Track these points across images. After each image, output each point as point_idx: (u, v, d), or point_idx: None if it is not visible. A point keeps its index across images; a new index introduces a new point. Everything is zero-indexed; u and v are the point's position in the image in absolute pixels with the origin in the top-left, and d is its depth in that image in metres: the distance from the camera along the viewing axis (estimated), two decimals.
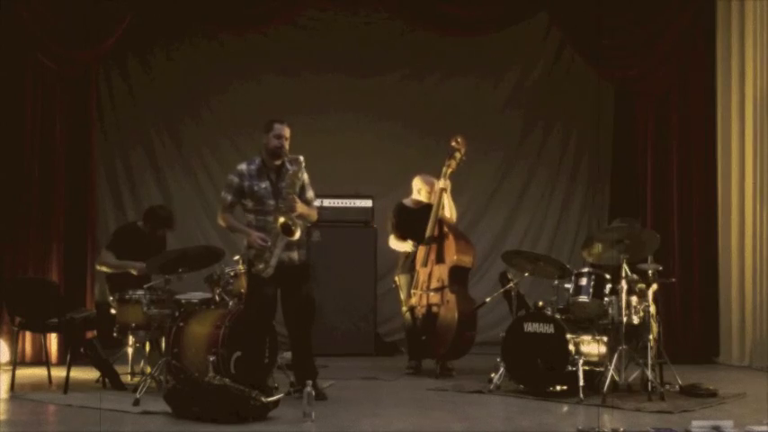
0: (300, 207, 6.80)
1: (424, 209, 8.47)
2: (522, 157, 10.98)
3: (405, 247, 8.47)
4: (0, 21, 8.73)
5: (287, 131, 6.89)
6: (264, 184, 6.85)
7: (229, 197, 6.91)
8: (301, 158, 6.84)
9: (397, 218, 8.56)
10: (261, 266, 6.73)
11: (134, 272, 7.65)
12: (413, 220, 8.46)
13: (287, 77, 10.56)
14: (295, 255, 6.90)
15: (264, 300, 6.86)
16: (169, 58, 10.47)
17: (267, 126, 6.92)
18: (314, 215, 7.08)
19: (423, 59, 10.70)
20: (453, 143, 8.38)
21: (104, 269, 7.87)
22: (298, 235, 6.76)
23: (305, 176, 6.94)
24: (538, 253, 8.13)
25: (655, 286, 7.44)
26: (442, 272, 8.24)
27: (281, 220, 6.71)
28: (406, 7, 9.46)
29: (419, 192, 8.54)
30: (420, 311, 8.31)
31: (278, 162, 6.88)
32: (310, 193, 7.01)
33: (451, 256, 8.22)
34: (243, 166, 6.92)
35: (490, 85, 10.90)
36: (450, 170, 8.32)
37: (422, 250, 8.32)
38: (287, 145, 6.87)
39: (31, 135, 8.90)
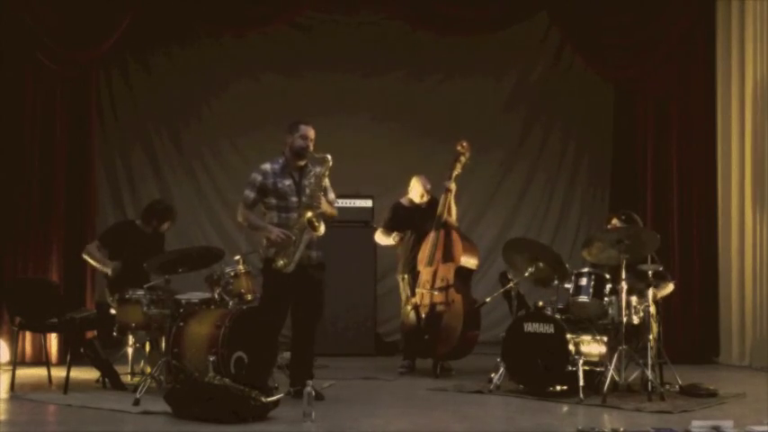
0: (324, 204, 6.88)
1: (419, 208, 8.50)
2: (522, 157, 10.97)
3: (388, 240, 8.54)
4: (0, 21, 8.73)
5: (312, 132, 6.97)
6: (288, 182, 6.91)
7: (252, 195, 6.95)
8: (329, 157, 6.88)
9: (392, 215, 8.62)
10: (283, 262, 6.76)
11: (109, 273, 7.68)
12: (407, 218, 8.52)
13: (287, 78, 10.56)
14: (314, 253, 6.96)
15: (281, 301, 6.90)
16: (169, 58, 10.47)
17: (292, 127, 6.98)
18: (334, 213, 7.15)
19: (423, 60, 10.69)
20: (459, 147, 8.40)
21: (87, 259, 7.95)
22: (322, 230, 6.83)
23: (326, 179, 7.03)
24: (540, 242, 8.10)
25: (657, 293, 7.48)
26: (447, 272, 8.25)
27: (309, 214, 6.76)
28: (407, 8, 9.47)
29: (411, 190, 8.57)
30: (423, 310, 8.31)
31: (302, 162, 6.95)
32: (332, 195, 7.10)
33: (458, 256, 8.24)
34: (267, 165, 6.98)
35: (490, 85, 10.89)
36: (455, 173, 8.35)
37: (425, 249, 8.33)
38: (311, 146, 6.92)
39: (31, 135, 8.90)
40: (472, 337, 8.26)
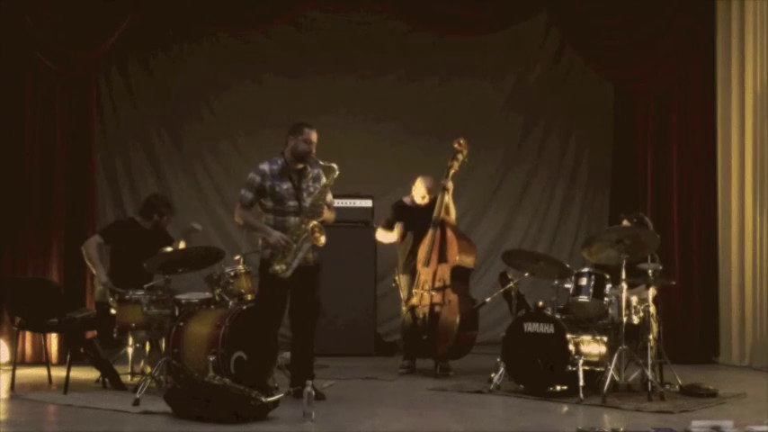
0: (325, 213, 6.89)
1: (420, 208, 8.51)
2: (522, 157, 10.98)
3: (389, 236, 8.53)
4: (0, 21, 8.73)
5: (315, 136, 6.91)
6: (286, 185, 6.86)
7: (250, 195, 6.90)
8: (335, 167, 6.86)
9: (394, 213, 8.62)
10: (280, 267, 6.74)
11: (97, 283, 7.67)
12: (409, 218, 8.51)
13: (287, 78, 10.56)
14: (310, 256, 6.94)
15: (277, 302, 6.89)
16: (169, 58, 10.47)
17: (296, 129, 6.91)
18: (332, 217, 7.16)
19: (423, 60, 10.69)
20: (456, 145, 8.41)
21: (85, 256, 7.88)
22: (323, 241, 6.83)
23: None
24: (538, 252, 8.12)
25: (654, 291, 7.47)
26: (444, 272, 8.25)
27: (313, 224, 6.76)
28: (407, 7, 9.47)
29: (414, 190, 8.58)
30: (421, 311, 8.31)
31: (301, 165, 6.91)
32: (330, 197, 7.07)
33: (454, 256, 8.23)
34: (265, 166, 6.91)
35: (490, 86, 10.89)
36: (452, 171, 8.36)
37: (423, 250, 8.33)
38: (314, 150, 6.89)
39: (30, 135, 8.90)
40: (469, 337, 8.26)
